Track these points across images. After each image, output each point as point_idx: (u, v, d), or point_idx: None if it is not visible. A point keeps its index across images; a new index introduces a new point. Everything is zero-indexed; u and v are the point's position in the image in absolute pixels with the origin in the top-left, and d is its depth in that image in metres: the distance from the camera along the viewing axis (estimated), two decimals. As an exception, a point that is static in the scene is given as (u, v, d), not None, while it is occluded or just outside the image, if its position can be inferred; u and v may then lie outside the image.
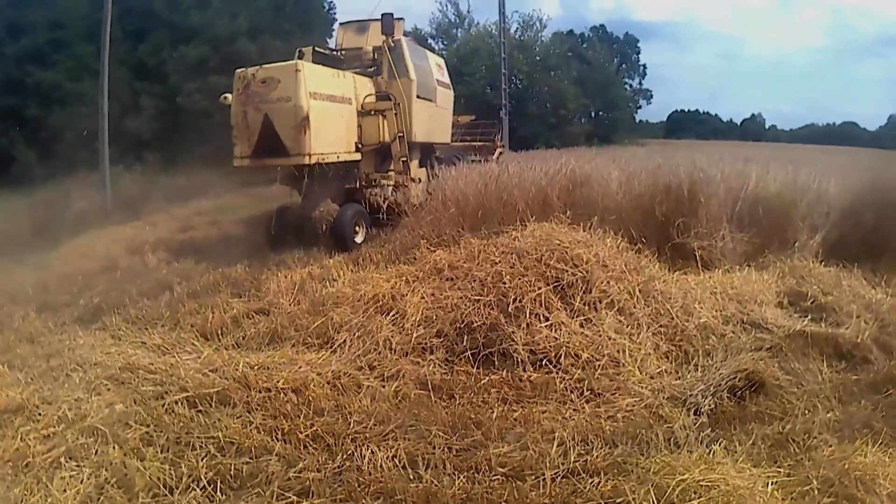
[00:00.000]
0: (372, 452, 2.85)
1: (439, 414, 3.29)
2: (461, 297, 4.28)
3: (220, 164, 10.30)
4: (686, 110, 53.03)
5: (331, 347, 4.06)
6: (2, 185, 13.11)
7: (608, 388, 3.55)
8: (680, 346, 4.02)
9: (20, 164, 15.65)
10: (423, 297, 4.38)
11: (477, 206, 6.07)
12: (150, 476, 2.67)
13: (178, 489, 2.62)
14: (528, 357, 3.82)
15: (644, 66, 42.63)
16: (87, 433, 2.95)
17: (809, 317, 4.38)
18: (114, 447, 2.86)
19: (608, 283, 4.35)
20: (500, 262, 4.53)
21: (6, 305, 5.61)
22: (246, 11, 18.40)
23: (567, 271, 4.36)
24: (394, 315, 4.26)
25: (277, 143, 7.01)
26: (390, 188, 8.22)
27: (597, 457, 2.82)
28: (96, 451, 2.84)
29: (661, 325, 4.15)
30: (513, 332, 3.94)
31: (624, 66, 41.01)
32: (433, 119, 9.68)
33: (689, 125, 49.03)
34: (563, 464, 2.78)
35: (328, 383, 3.56)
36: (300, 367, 3.71)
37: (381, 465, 2.78)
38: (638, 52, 42.45)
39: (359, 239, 7.68)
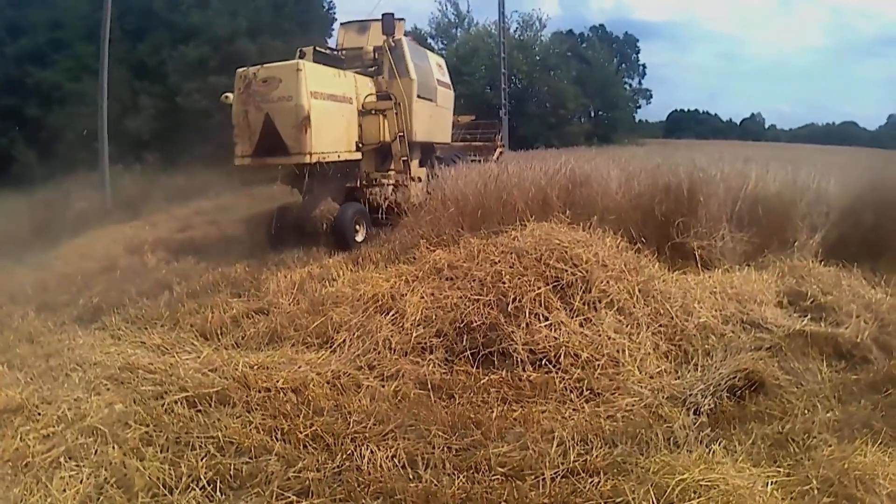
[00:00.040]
0: (371, 452, 2.85)
1: (439, 414, 3.28)
2: (461, 297, 4.27)
3: (219, 164, 10.31)
4: (686, 110, 53.10)
5: (330, 347, 4.06)
6: (2, 185, 13.07)
7: (608, 388, 3.54)
8: (679, 346, 4.01)
9: (20, 163, 15.63)
10: (423, 297, 4.36)
11: (476, 206, 6.07)
12: (149, 476, 2.66)
13: (177, 489, 2.62)
14: (528, 357, 3.81)
15: (644, 65, 42.83)
16: (87, 433, 2.95)
17: (809, 316, 4.38)
18: (113, 447, 2.85)
19: (608, 282, 4.34)
20: (499, 261, 4.52)
21: (6, 305, 5.60)
22: (245, 11, 18.42)
23: (567, 271, 4.35)
24: (393, 315, 4.25)
25: (278, 142, 7.03)
26: (391, 187, 8.25)
27: (596, 456, 2.81)
28: (96, 451, 2.83)
29: (660, 325, 4.15)
30: (512, 332, 3.93)
31: (623, 65, 41.09)
32: (433, 119, 9.69)
33: (688, 125, 48.97)
34: (562, 463, 2.77)
35: (328, 383, 3.55)
36: (300, 367, 3.70)
37: (380, 465, 2.77)
38: (638, 52, 42.63)
39: (359, 237, 7.70)
